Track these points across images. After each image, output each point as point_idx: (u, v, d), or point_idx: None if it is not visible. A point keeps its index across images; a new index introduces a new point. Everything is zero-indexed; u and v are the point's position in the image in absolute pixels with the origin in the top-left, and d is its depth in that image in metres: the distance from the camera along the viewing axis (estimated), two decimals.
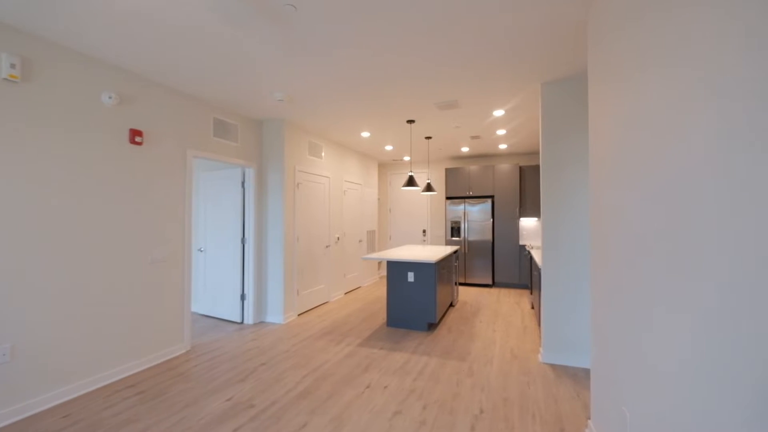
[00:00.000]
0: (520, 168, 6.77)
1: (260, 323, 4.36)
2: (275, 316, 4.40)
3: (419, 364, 3.16)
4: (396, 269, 4.17)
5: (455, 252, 5.29)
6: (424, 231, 7.80)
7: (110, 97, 2.75)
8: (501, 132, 5.08)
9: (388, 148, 6.21)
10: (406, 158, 7.45)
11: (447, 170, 7.10)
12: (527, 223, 7.06)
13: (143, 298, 3.04)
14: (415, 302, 4.08)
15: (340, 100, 3.73)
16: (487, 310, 5.00)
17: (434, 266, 4.01)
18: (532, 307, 5.15)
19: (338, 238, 5.75)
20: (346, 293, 6.07)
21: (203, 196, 4.72)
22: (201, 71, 2.96)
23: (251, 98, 3.63)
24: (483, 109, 4.02)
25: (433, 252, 4.64)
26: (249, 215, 4.34)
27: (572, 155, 3.15)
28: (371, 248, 7.14)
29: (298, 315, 4.70)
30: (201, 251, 4.70)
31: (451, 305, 5.21)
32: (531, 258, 5.19)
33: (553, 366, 3.12)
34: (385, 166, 8.20)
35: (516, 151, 6.70)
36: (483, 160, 7.45)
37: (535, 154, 7.00)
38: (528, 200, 6.76)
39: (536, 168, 6.68)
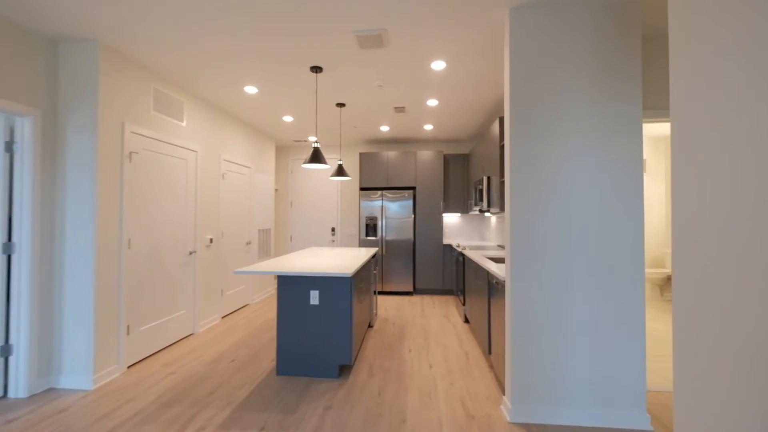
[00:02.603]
0: (444, 156, 5.93)
1: (47, 392, 2.48)
2: (78, 376, 2.56)
3: None
4: (291, 287, 2.75)
5: (374, 256, 4.08)
6: (333, 229, 6.45)
7: None
8: (432, 102, 4.03)
9: (287, 119, 4.70)
10: (312, 138, 6.00)
11: (362, 155, 5.87)
12: (450, 219, 6.27)
13: None
14: (321, 336, 2.72)
15: (200, 16, 2.15)
16: (414, 330, 3.91)
17: (350, 281, 2.71)
18: (466, 321, 4.25)
19: (211, 240, 4.04)
20: (224, 317, 4.37)
21: None
22: None
23: None
24: (418, 55, 2.87)
25: (348, 258, 3.34)
26: (23, 203, 2.43)
27: (558, 121, 2.17)
28: (265, 252, 5.52)
29: (129, 367, 2.91)
30: None
31: (370, 326, 3.99)
32: (464, 260, 4.28)
33: (527, 427, 2.09)
34: (285, 150, 6.61)
35: (440, 136, 5.82)
36: (403, 145, 6.43)
37: (460, 142, 6.24)
38: (452, 193, 5.95)
39: (461, 157, 5.90)
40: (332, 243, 6.44)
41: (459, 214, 6.24)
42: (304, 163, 3.04)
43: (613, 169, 2.13)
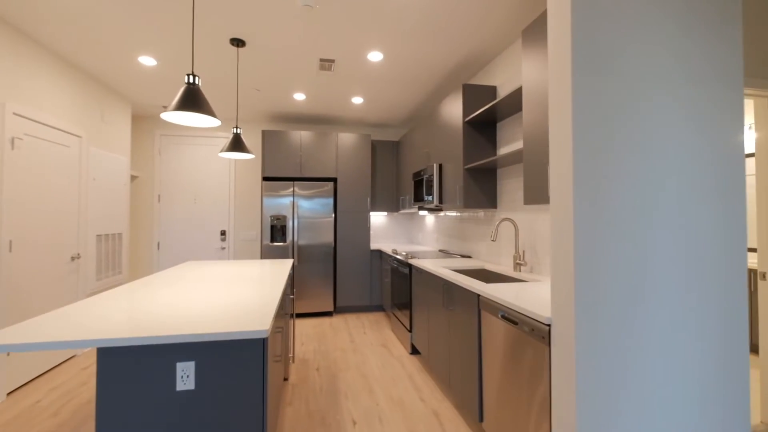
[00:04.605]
0: (372, 142, 4.88)
1: None
2: None
3: None
4: (134, 359, 1.31)
5: (291, 274, 2.76)
6: (223, 233, 4.80)
7: None
8: (375, 56, 2.91)
9: (147, 62, 3.01)
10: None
11: (266, 134, 4.41)
12: (376, 219, 5.25)
13: None
14: None
15: None
16: (350, 376, 2.74)
17: (263, 343, 1.40)
18: (415, 351, 3.25)
19: None
20: (12, 393, 2.49)
21: None
22: None
23: None
24: None
25: (253, 283, 1.97)
26: None
27: (639, 67, 1.28)
28: (110, 270, 3.62)
29: None
30: None
31: (285, 379, 2.66)
32: (410, 273, 3.27)
33: None
34: (150, 120, 4.67)
35: (368, 116, 4.74)
36: (322, 125, 5.16)
37: (388, 127, 5.26)
38: (379, 188, 4.94)
39: (391, 144, 4.94)
40: (222, 252, 4.78)
41: (386, 213, 5.27)
42: (168, 110, 1.60)
43: (712, 147, 1.34)
